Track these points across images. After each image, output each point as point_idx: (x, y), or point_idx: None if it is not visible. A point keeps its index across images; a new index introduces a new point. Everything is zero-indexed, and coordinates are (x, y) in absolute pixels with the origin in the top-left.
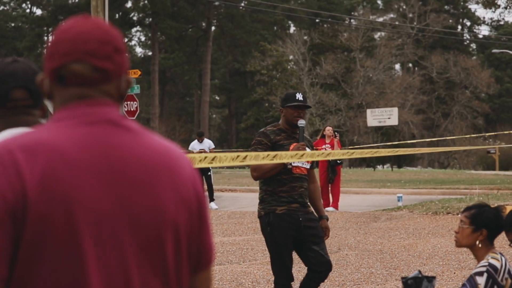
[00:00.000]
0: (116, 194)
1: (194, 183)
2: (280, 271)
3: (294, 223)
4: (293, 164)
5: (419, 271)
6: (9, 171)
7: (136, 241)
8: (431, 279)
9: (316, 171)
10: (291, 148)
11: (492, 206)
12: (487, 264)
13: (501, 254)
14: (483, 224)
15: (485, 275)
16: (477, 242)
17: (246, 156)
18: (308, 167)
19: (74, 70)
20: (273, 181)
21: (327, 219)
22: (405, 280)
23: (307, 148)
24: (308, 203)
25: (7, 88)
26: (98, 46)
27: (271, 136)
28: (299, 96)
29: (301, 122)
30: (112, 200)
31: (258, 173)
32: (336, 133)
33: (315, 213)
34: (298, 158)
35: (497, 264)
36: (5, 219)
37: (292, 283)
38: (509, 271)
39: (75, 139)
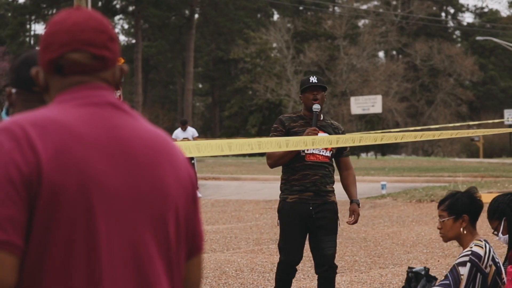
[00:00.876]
0: (124, 172)
1: (188, 167)
2: (280, 262)
3: (304, 213)
4: (306, 152)
5: (425, 268)
6: (23, 145)
7: (143, 218)
8: (431, 279)
9: None
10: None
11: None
12: (470, 252)
13: (485, 241)
14: (462, 210)
15: (468, 265)
16: (462, 229)
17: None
18: (328, 154)
19: (73, 59)
20: (287, 170)
21: (358, 204)
22: (409, 270)
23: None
24: (328, 192)
25: None
26: (94, 35)
27: (285, 123)
28: (312, 79)
29: (316, 107)
30: (121, 177)
31: (271, 160)
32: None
33: (334, 204)
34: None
35: (480, 251)
36: (22, 191)
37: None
38: (493, 258)
39: (82, 118)
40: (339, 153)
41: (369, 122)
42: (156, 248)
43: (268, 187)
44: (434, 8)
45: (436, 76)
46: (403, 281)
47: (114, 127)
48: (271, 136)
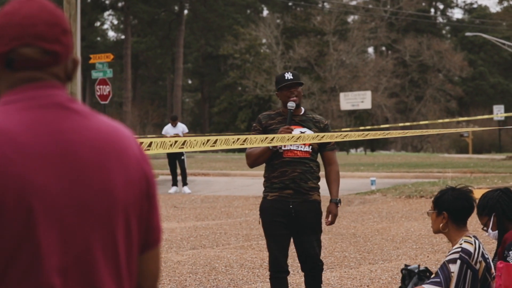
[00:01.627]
0: (66, 181)
1: (142, 164)
2: (270, 261)
3: (284, 210)
4: (283, 148)
5: (419, 266)
6: None
7: (86, 227)
8: (422, 277)
9: None
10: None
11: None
12: (459, 249)
13: (475, 237)
14: (443, 206)
15: (458, 262)
16: (441, 225)
17: (216, 141)
18: (307, 149)
19: (24, 54)
20: (268, 167)
21: (336, 203)
22: (403, 268)
23: (308, 132)
24: (310, 189)
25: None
26: (46, 29)
27: (262, 121)
28: (288, 75)
29: (290, 104)
30: (64, 186)
31: (249, 160)
32: None
33: (316, 202)
34: (257, 142)
35: (470, 248)
36: None
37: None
38: (482, 254)
39: (25, 124)
40: (323, 147)
41: (358, 118)
42: (102, 253)
43: (258, 183)
44: (424, 4)
45: (425, 72)
46: (393, 277)
47: (59, 132)
48: (252, 135)
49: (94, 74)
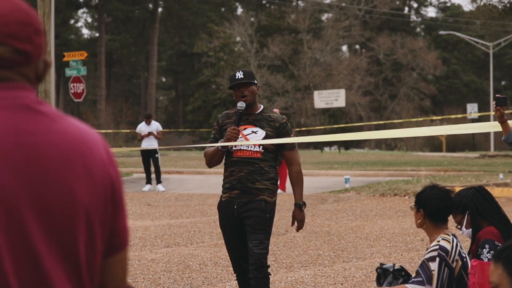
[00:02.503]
0: (28, 183)
1: (109, 168)
2: (231, 263)
3: (230, 212)
4: (234, 148)
5: (394, 265)
6: None
7: (46, 231)
8: (397, 276)
9: None
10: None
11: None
12: (437, 247)
13: (453, 235)
14: (421, 204)
15: (437, 259)
16: (418, 222)
17: None
18: (258, 149)
19: None
20: (224, 167)
21: (300, 207)
22: (379, 266)
23: (260, 132)
24: (258, 189)
25: None
26: (19, 28)
27: (219, 120)
28: (238, 74)
29: (240, 105)
30: (23, 188)
31: (205, 159)
32: None
33: (264, 202)
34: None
35: (447, 246)
36: None
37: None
38: (459, 253)
39: None
40: (281, 147)
41: (332, 116)
42: (61, 257)
43: None
44: (398, 3)
45: (399, 70)
46: (367, 275)
47: (24, 134)
48: (211, 135)
49: (68, 72)
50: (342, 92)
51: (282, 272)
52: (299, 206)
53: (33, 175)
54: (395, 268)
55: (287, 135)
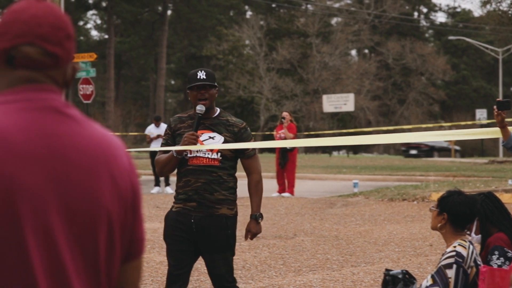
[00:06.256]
0: (54, 185)
1: (130, 174)
2: (169, 276)
3: (185, 224)
4: (189, 155)
5: (402, 271)
6: None
7: (70, 230)
8: (408, 283)
9: (271, 157)
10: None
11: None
12: (454, 253)
13: (470, 242)
14: (445, 208)
15: (454, 266)
16: (439, 225)
17: None
18: (215, 156)
19: (26, 52)
20: (177, 176)
21: (257, 219)
22: (386, 273)
23: (218, 137)
24: (217, 201)
25: None
26: (51, 31)
27: (172, 125)
28: (200, 74)
29: (199, 108)
30: (50, 190)
31: (157, 167)
32: (282, 119)
33: (223, 217)
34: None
35: (463, 252)
36: None
37: None
38: (475, 260)
39: (19, 125)
40: (240, 153)
41: (341, 121)
42: (82, 260)
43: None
44: (407, 7)
45: (408, 75)
46: (375, 280)
47: (52, 136)
48: (163, 140)
49: (77, 74)
50: (351, 96)
51: (291, 276)
52: (255, 217)
53: (59, 177)
54: (404, 274)
55: (247, 141)
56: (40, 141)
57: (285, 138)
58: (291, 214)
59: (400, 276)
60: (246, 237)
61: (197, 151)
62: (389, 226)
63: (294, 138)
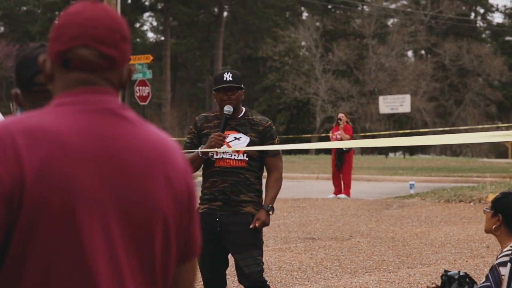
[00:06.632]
0: (111, 186)
1: (186, 176)
2: (204, 282)
3: (211, 225)
4: (216, 156)
5: (459, 272)
6: (8, 155)
7: (126, 232)
8: (462, 283)
9: (327, 158)
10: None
11: None
12: (510, 252)
13: None
14: (500, 209)
15: (509, 265)
16: (494, 227)
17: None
18: (242, 158)
19: (81, 54)
20: (202, 177)
21: (268, 210)
22: (443, 274)
23: (243, 138)
24: (242, 202)
25: (31, 73)
26: (106, 33)
27: (198, 123)
28: (227, 76)
29: (227, 109)
30: (106, 192)
31: None
32: (339, 120)
33: (249, 215)
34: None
35: None
36: (0, 205)
37: None
38: None
39: (76, 127)
40: (264, 153)
41: (397, 122)
42: (138, 260)
43: (296, 185)
44: (464, 8)
45: (465, 76)
46: (431, 281)
47: (109, 138)
48: (187, 139)
49: (134, 75)
50: (407, 98)
51: (347, 278)
52: (267, 208)
53: (116, 179)
54: (460, 275)
55: (271, 139)
56: (97, 143)
57: (341, 140)
58: (347, 215)
59: (456, 276)
60: (253, 224)
61: (223, 152)
62: (446, 228)
63: (350, 139)
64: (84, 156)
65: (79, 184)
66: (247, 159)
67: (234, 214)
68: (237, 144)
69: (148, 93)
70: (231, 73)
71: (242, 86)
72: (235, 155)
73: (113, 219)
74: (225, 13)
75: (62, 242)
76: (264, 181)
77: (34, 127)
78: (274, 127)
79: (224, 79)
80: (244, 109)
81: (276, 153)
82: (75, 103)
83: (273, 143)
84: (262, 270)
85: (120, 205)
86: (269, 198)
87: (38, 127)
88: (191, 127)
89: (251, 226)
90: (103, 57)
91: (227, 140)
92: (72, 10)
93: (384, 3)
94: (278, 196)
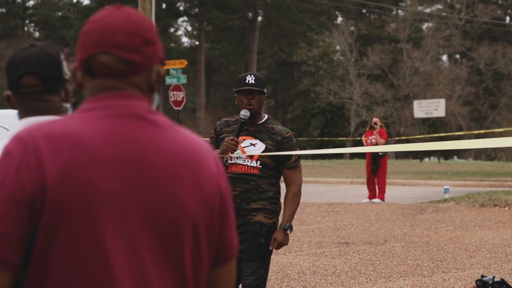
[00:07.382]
0: (136, 190)
1: (218, 179)
2: None
3: None
4: (230, 161)
5: (493, 278)
6: (31, 160)
7: (153, 237)
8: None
9: (361, 163)
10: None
11: None
12: None
13: None
14: None
15: None
16: None
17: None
18: (255, 164)
19: (102, 61)
20: None
21: (286, 230)
22: (479, 279)
23: (259, 145)
24: (253, 210)
25: (18, 75)
26: (126, 38)
27: (217, 128)
28: (249, 78)
29: (243, 113)
30: (131, 196)
31: None
32: (374, 124)
33: (259, 224)
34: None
35: None
36: (22, 208)
37: None
38: None
39: (100, 132)
40: (281, 163)
41: (432, 126)
42: (167, 265)
43: (331, 190)
44: (499, 12)
45: (500, 80)
46: (466, 286)
47: (134, 142)
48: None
49: (168, 80)
50: (442, 102)
51: (381, 282)
52: (284, 227)
53: (141, 184)
54: (495, 280)
55: (290, 150)
56: (120, 147)
57: (376, 144)
58: (382, 220)
59: (490, 282)
60: (272, 245)
61: (237, 158)
62: (480, 232)
63: (385, 144)
64: (106, 160)
65: (101, 187)
66: (260, 166)
67: (244, 223)
68: (251, 150)
69: (183, 98)
70: (254, 76)
71: (265, 91)
72: (248, 161)
73: (137, 223)
74: (259, 18)
75: (84, 245)
76: (282, 185)
77: (58, 132)
78: (295, 139)
79: (246, 81)
80: (266, 116)
81: (295, 165)
82: (100, 108)
83: (291, 156)
84: (261, 284)
85: (145, 208)
86: (287, 216)
87: (61, 132)
88: (211, 131)
89: (270, 248)
90: (124, 62)
91: (243, 145)
92: (96, 17)
93: (419, 8)
94: (313, 200)
